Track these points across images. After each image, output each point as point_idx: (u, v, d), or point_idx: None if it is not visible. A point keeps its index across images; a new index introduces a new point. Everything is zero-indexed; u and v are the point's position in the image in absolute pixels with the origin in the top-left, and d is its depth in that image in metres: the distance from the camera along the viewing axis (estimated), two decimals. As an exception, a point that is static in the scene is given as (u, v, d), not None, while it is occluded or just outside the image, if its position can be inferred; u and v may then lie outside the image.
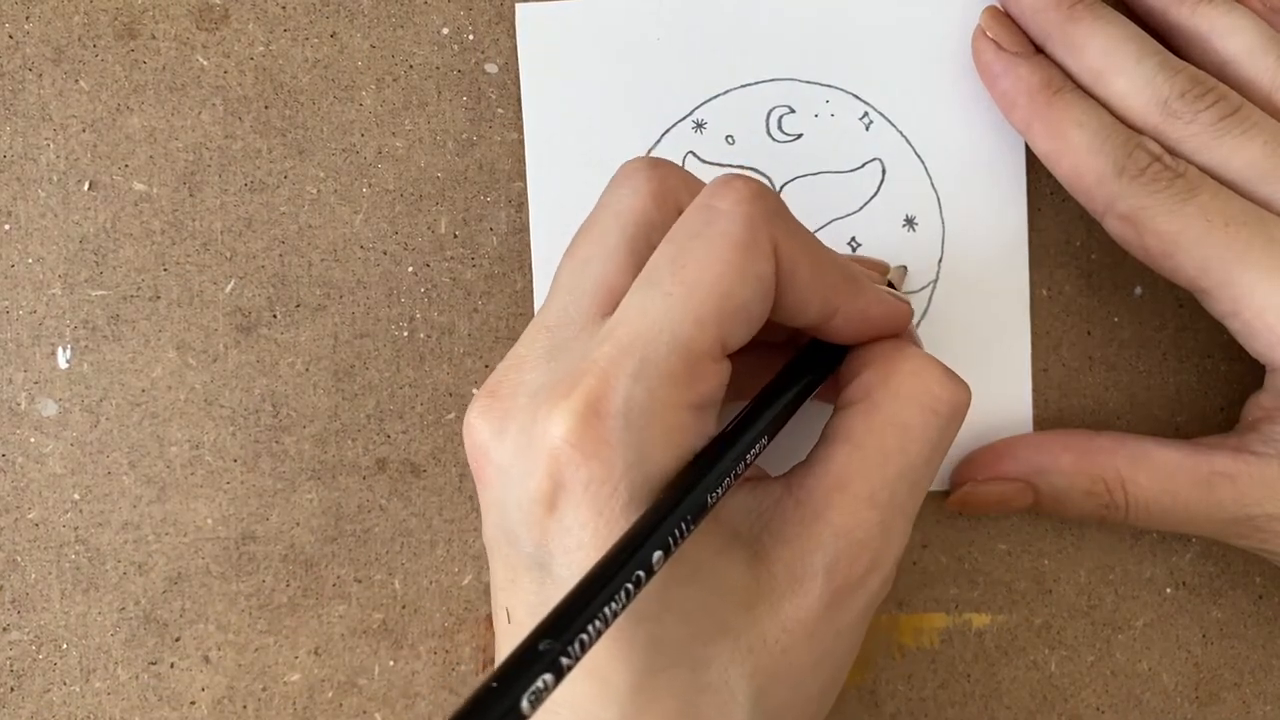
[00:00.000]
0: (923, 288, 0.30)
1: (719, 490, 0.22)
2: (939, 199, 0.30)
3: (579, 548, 0.21)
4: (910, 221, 0.30)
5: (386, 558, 0.31)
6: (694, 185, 0.24)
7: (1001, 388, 0.30)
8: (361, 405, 0.30)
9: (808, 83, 0.30)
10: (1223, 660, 0.31)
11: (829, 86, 0.30)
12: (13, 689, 0.30)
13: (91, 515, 0.30)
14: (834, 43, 0.30)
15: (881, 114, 0.30)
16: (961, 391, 0.24)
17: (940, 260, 0.30)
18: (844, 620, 0.23)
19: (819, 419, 0.26)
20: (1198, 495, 0.27)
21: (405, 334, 0.30)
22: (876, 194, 0.30)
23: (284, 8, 0.30)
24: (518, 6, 0.30)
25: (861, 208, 0.30)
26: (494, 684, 0.17)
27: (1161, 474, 0.27)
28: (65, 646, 0.30)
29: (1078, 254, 0.30)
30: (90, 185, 0.30)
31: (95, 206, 0.30)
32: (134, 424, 0.30)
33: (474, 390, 0.31)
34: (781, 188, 0.30)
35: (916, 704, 0.31)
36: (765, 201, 0.23)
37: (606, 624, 0.19)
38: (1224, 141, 0.26)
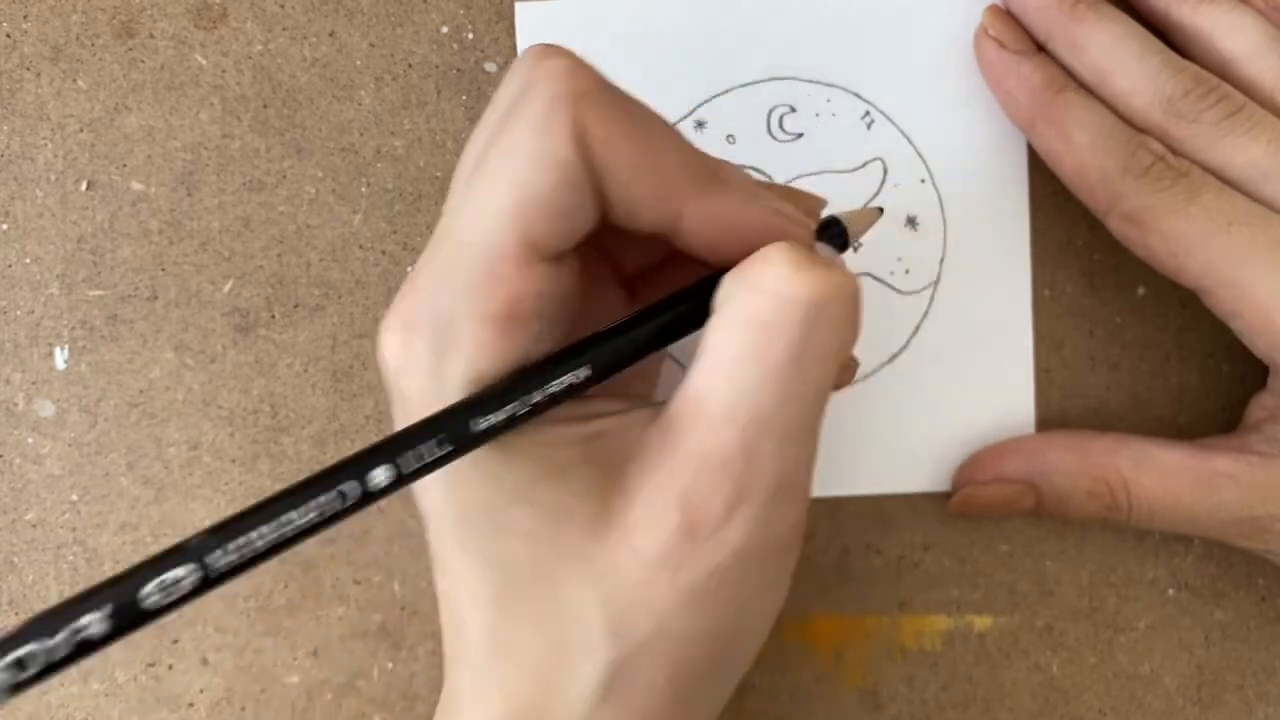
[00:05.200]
0: (925, 287, 0.30)
1: (494, 417, 0.20)
2: (941, 198, 0.30)
3: None
4: (912, 221, 0.30)
5: (385, 559, 0.30)
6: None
7: (1004, 388, 0.30)
8: (360, 406, 0.30)
9: (809, 82, 0.30)
10: (1225, 662, 0.31)
11: (830, 85, 0.30)
12: (10, 691, 0.30)
13: (89, 516, 0.30)
14: (835, 41, 0.30)
15: (883, 113, 0.30)
16: (828, 276, 0.20)
17: (942, 260, 0.30)
18: (715, 559, 0.21)
19: None
20: (1200, 496, 0.27)
21: (404, 334, 0.30)
22: (878, 193, 0.30)
23: (282, 6, 0.30)
24: (517, 5, 0.30)
25: (863, 207, 0.30)
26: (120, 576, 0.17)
27: (1164, 475, 0.27)
28: (63, 648, 0.30)
29: (1080, 254, 0.30)
30: (88, 185, 0.30)
31: (93, 206, 0.30)
32: (132, 425, 0.30)
33: (473, 391, 0.30)
34: (782, 187, 0.30)
35: (918, 706, 0.30)
36: (572, 79, 0.20)
37: (289, 536, 0.18)
38: (1227, 141, 0.26)
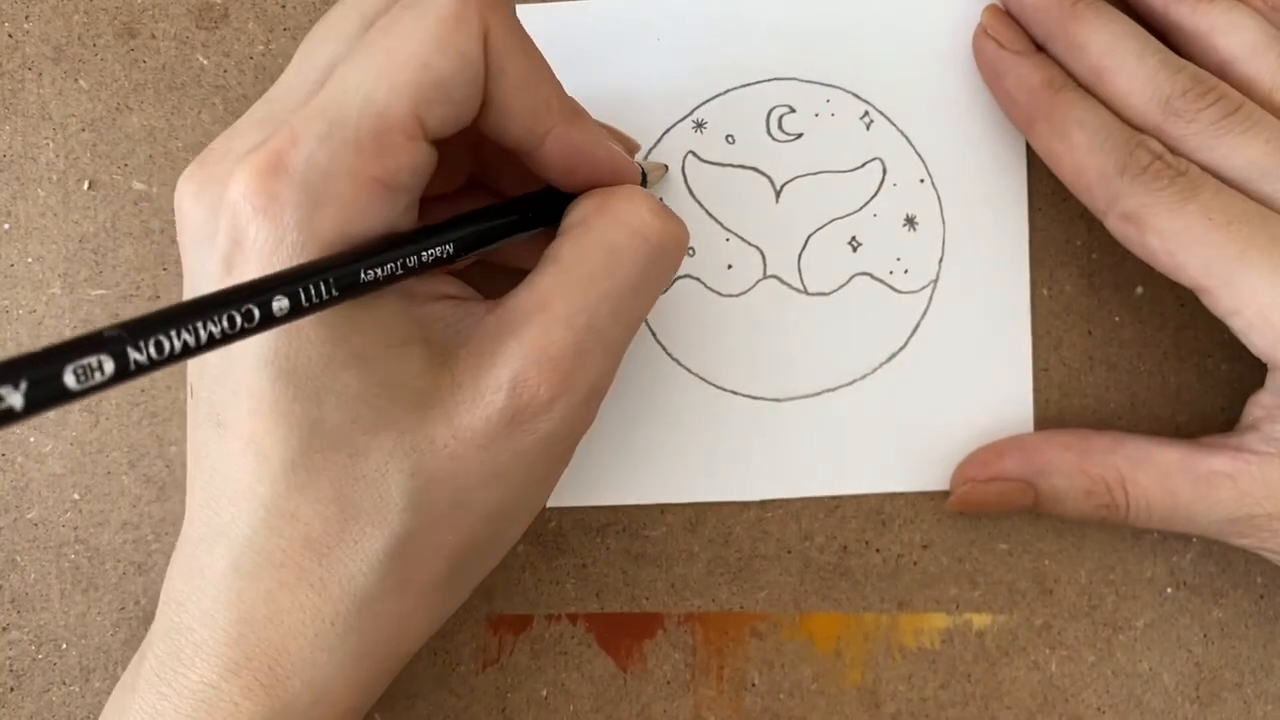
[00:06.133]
0: (923, 287, 0.30)
1: (377, 271, 0.21)
2: (939, 198, 0.30)
3: None
4: (911, 221, 0.30)
5: (386, 557, 0.30)
6: None
7: (1002, 387, 0.30)
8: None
9: (808, 82, 0.30)
10: (1224, 660, 0.31)
11: (829, 86, 0.30)
12: (12, 689, 0.30)
13: (91, 515, 0.30)
14: (834, 42, 0.30)
15: (882, 113, 0.30)
16: (674, 225, 0.24)
17: (941, 259, 0.30)
18: (524, 442, 0.23)
19: None
20: (1198, 495, 0.27)
21: (405, 333, 0.30)
22: (877, 193, 0.30)
23: (283, 6, 0.30)
24: (517, 8, 0.30)
25: (862, 207, 0.30)
26: (41, 351, 0.17)
27: (1162, 474, 0.27)
28: (65, 646, 0.30)
29: (1078, 253, 0.30)
30: (90, 184, 0.30)
31: (95, 206, 0.30)
32: (133, 423, 0.30)
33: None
34: (782, 187, 0.30)
35: (917, 704, 0.31)
36: None
37: (199, 344, 0.18)
38: (1225, 140, 0.26)
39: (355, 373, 0.22)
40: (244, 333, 0.19)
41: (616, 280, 0.23)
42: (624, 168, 0.25)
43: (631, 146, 0.28)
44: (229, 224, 0.21)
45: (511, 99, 0.23)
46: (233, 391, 0.22)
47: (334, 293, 0.20)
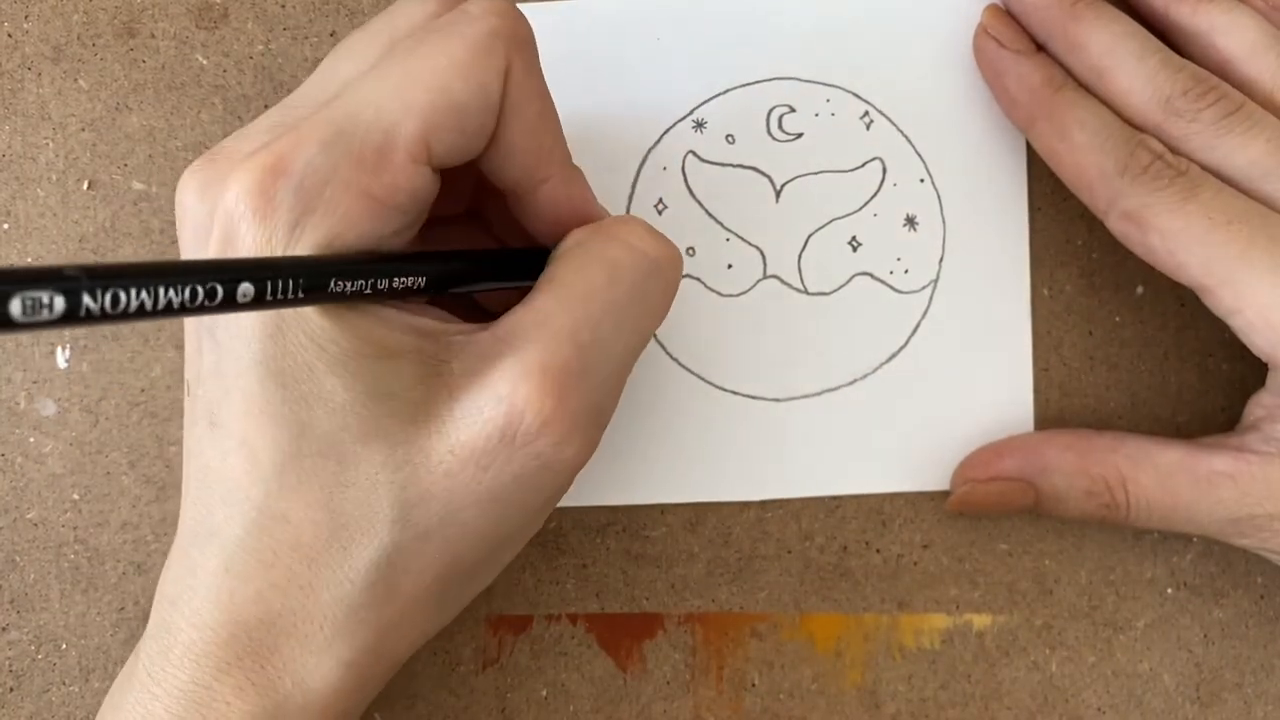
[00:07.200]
0: (923, 287, 0.30)
1: (346, 285, 0.21)
2: (940, 198, 0.30)
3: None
4: (911, 221, 0.30)
5: (386, 558, 0.30)
6: None
7: (1002, 387, 0.30)
8: (361, 405, 0.30)
9: (808, 82, 0.30)
10: (1224, 660, 0.31)
11: (829, 85, 0.30)
12: (12, 689, 0.30)
13: (91, 515, 0.30)
14: (835, 41, 0.30)
15: (882, 113, 0.30)
16: (671, 246, 0.24)
17: (941, 259, 0.30)
18: (522, 465, 0.22)
19: None
20: (1199, 495, 0.27)
21: (405, 333, 0.30)
22: (877, 193, 0.30)
23: (283, 6, 0.30)
24: (518, 6, 0.30)
25: (862, 207, 0.30)
26: None
27: (1162, 473, 0.27)
28: (64, 646, 0.30)
29: (1079, 253, 0.30)
30: (89, 184, 0.30)
31: (94, 206, 0.30)
32: (133, 424, 0.30)
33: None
34: (782, 187, 0.30)
35: (917, 705, 0.31)
36: (515, 23, 0.23)
37: (156, 307, 0.17)
38: (1226, 140, 0.26)
39: (340, 380, 0.21)
40: (203, 309, 0.18)
41: (618, 293, 0.23)
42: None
43: None
44: (223, 222, 0.21)
45: (518, 140, 0.23)
46: (226, 391, 0.22)
47: (300, 294, 0.20)
